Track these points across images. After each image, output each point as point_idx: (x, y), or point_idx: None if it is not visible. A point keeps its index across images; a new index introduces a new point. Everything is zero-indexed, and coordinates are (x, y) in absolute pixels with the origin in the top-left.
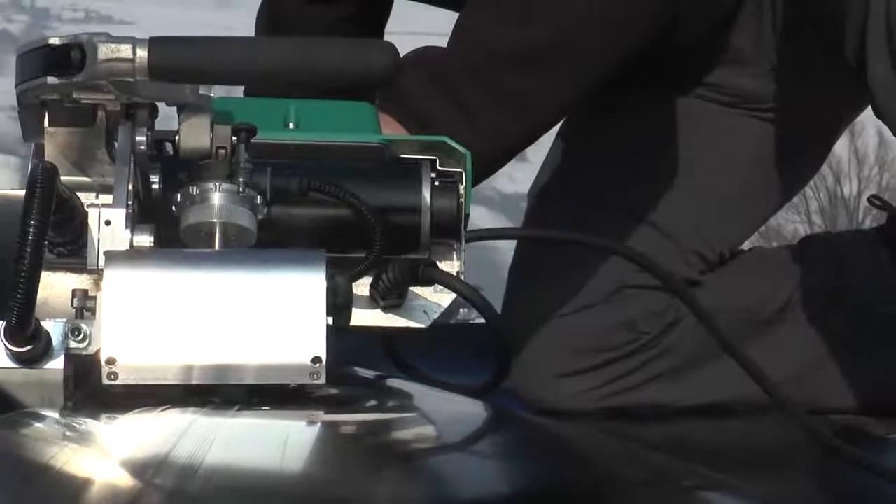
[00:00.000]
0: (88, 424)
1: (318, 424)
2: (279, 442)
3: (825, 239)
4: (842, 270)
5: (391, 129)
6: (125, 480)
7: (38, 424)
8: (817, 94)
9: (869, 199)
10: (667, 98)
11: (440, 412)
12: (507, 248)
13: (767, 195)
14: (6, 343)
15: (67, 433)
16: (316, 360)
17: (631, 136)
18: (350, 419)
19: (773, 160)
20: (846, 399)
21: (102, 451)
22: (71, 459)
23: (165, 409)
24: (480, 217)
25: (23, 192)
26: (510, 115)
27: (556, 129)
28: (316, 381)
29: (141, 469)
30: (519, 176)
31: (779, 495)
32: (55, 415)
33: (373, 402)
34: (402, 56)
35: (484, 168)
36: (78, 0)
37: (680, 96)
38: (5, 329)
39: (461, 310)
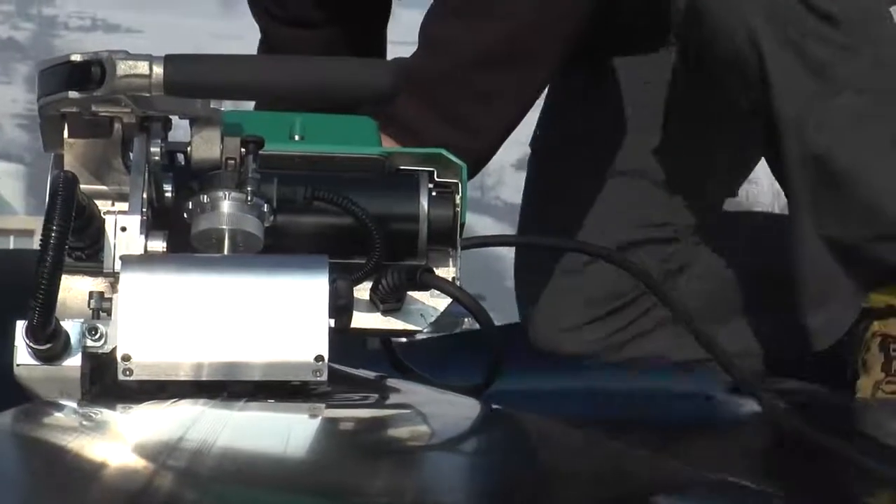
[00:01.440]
0: (104, 413)
1: (320, 417)
2: (284, 432)
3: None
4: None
5: (385, 142)
6: (140, 462)
7: (56, 413)
8: None
9: None
10: (620, 80)
11: (435, 409)
12: (508, 257)
13: (720, 165)
14: (28, 341)
15: (84, 420)
16: (319, 358)
17: (594, 125)
18: (349, 413)
19: (730, 122)
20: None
21: (118, 436)
22: (87, 443)
23: (176, 401)
24: (486, 225)
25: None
26: (492, 112)
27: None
28: (318, 378)
29: (154, 452)
30: (523, 185)
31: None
32: (73, 404)
33: (371, 399)
34: None
35: (476, 163)
36: (84, 8)
37: (603, 82)
38: (27, 328)
39: (465, 319)
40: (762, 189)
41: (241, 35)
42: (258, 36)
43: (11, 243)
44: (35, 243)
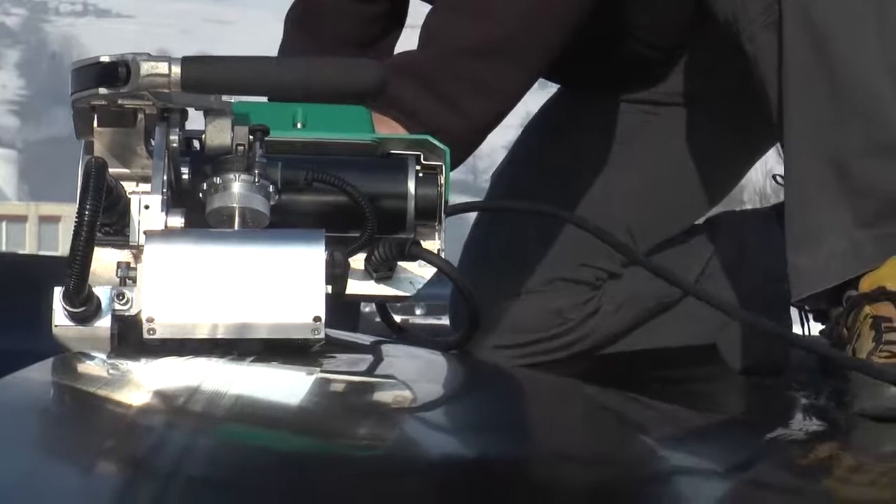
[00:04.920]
0: (130, 364)
1: (315, 373)
2: (284, 384)
3: (728, 220)
4: (742, 251)
5: (385, 127)
6: (159, 406)
7: (88, 362)
8: (734, 95)
9: (774, 177)
10: (600, 105)
11: (414, 363)
12: None
13: (693, 197)
14: (64, 305)
15: (112, 370)
16: (317, 318)
17: (572, 144)
18: (340, 369)
19: (696, 158)
20: (735, 360)
21: (142, 383)
22: (115, 388)
23: (192, 357)
24: None
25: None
26: (481, 99)
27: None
28: (317, 336)
29: (172, 398)
30: None
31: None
32: (103, 356)
33: (361, 357)
34: (384, 62)
35: (466, 146)
36: None
37: (611, 103)
38: (64, 293)
39: None
40: None
41: (231, 21)
42: (249, 21)
43: (4, 229)
44: (27, 229)
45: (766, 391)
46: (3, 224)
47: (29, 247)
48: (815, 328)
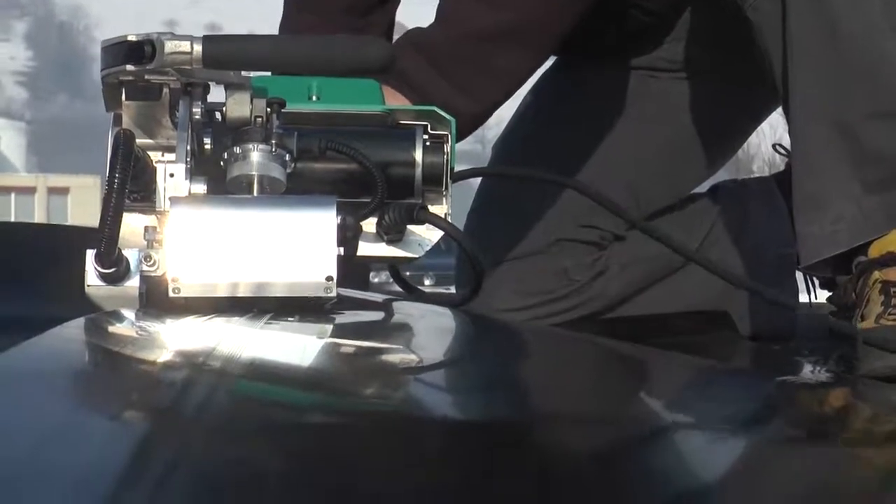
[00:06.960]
0: (157, 323)
1: (328, 330)
2: (298, 342)
3: (731, 188)
4: (745, 218)
5: (395, 99)
6: (185, 359)
7: (119, 321)
8: (732, 60)
9: (773, 147)
10: (600, 72)
11: (420, 319)
12: None
13: (694, 162)
14: (96, 266)
15: (140, 328)
16: (329, 278)
17: (574, 110)
18: (350, 327)
19: (696, 122)
20: (744, 326)
21: (167, 341)
22: (141, 345)
23: (213, 317)
24: None
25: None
26: (488, 81)
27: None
28: (329, 295)
29: (197, 352)
30: None
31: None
32: (131, 314)
33: (370, 314)
34: (396, 38)
35: (472, 121)
36: None
37: (611, 69)
38: (96, 255)
39: None
40: None
41: None
42: None
43: (13, 200)
44: (36, 201)
45: (775, 355)
46: (12, 196)
47: (38, 218)
48: (822, 295)
